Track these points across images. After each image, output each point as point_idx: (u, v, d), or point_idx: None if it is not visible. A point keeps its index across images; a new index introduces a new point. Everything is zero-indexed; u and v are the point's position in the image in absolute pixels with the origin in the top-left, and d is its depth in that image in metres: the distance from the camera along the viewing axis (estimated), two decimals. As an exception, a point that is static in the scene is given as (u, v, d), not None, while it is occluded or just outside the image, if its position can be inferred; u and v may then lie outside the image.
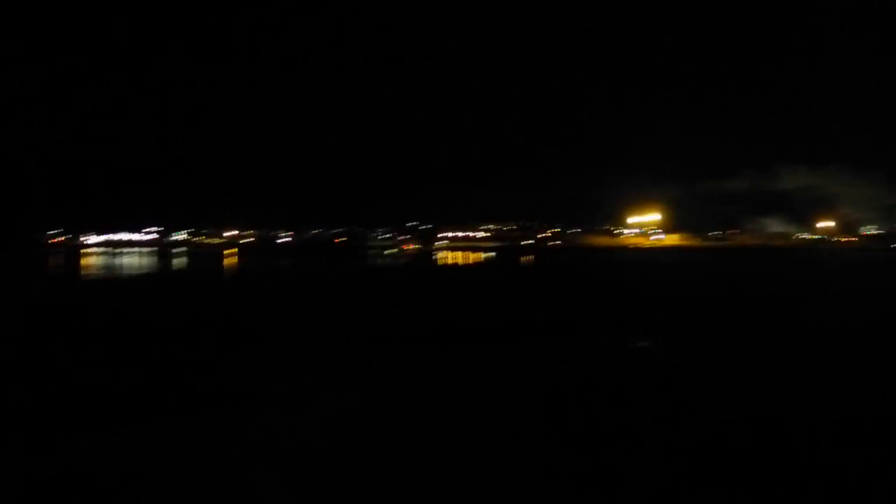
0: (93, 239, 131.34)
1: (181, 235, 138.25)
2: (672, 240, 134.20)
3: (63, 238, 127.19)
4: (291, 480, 6.87)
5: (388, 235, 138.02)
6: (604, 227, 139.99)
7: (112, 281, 42.16)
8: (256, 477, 6.92)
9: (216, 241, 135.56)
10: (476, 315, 21.74)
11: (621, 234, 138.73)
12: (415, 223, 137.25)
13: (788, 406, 9.58)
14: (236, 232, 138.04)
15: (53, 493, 6.62)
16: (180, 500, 6.40)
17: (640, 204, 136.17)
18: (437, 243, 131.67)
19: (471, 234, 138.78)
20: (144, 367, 13.00)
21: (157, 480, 6.85)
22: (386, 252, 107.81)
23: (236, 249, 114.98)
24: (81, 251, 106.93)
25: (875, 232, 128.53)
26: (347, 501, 6.39)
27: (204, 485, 6.75)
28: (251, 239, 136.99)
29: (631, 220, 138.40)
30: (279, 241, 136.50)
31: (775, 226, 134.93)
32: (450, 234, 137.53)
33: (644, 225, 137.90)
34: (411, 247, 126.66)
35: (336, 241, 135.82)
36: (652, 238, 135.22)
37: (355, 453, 7.67)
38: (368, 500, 6.44)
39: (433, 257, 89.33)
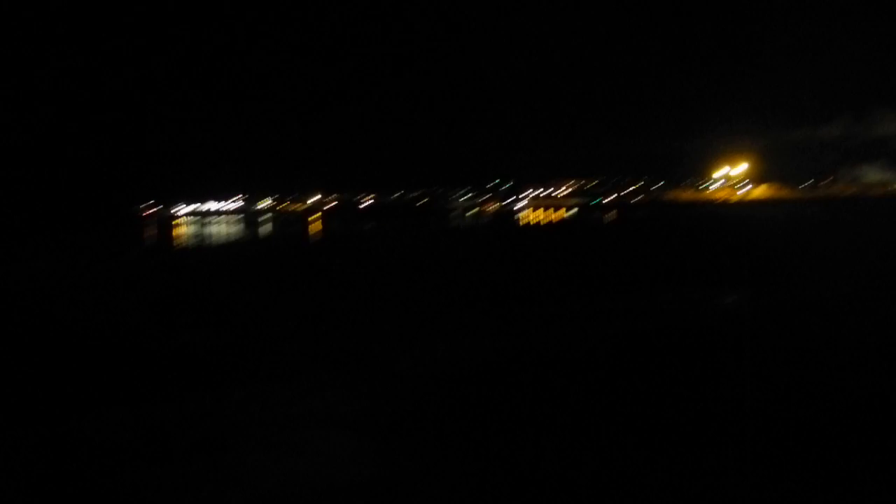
0: (182, 210, 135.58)
1: (266, 203, 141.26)
2: (762, 192, 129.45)
3: (155, 209, 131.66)
4: (365, 443, 6.89)
5: (468, 196, 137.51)
6: (689, 181, 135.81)
7: (204, 250, 43.50)
8: (330, 438, 6.97)
9: (300, 207, 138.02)
10: (554, 274, 21.51)
11: (707, 187, 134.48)
12: (496, 182, 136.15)
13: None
14: (319, 197, 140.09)
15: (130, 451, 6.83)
16: (257, 464, 6.50)
17: (727, 155, 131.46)
18: (518, 202, 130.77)
19: (552, 191, 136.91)
20: (230, 333, 13.35)
21: (236, 443, 6.99)
22: (467, 214, 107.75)
23: (320, 215, 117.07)
24: (173, 222, 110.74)
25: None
26: (423, 464, 6.36)
27: (281, 448, 6.85)
28: (334, 204, 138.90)
29: (718, 172, 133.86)
30: (362, 206, 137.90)
31: (874, 174, 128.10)
32: (531, 193, 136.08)
33: (732, 177, 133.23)
34: (492, 206, 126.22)
35: (418, 204, 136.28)
36: (741, 191, 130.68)
37: (425, 414, 7.65)
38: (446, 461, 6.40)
39: (514, 217, 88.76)
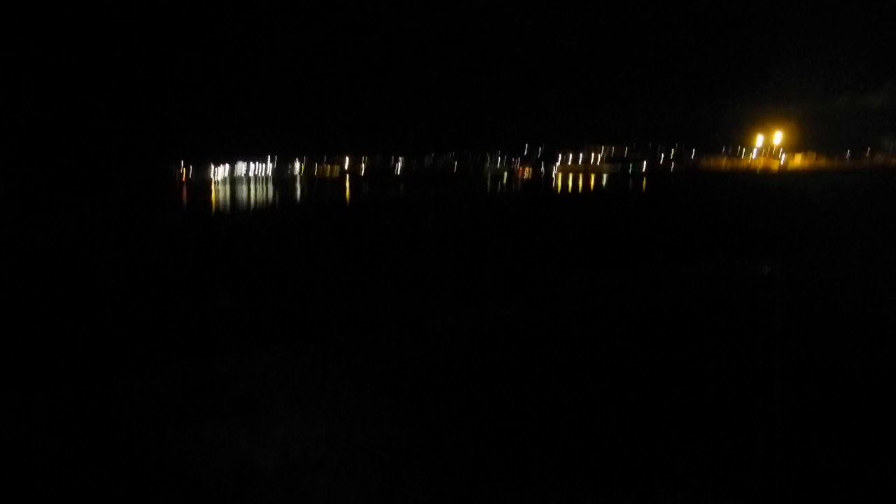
0: (218, 172, 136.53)
1: (297, 165, 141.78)
2: (802, 162, 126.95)
3: (189, 171, 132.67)
4: (396, 405, 6.93)
5: (501, 161, 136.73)
6: (726, 149, 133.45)
7: (239, 213, 43.84)
8: (360, 403, 7.02)
9: (332, 170, 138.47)
10: (583, 241, 21.40)
11: (745, 156, 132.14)
12: (528, 147, 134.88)
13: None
14: (349, 161, 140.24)
15: (169, 409, 6.94)
16: (289, 426, 6.57)
17: (766, 123, 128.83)
18: (551, 168, 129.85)
19: (586, 157, 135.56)
20: (264, 295, 13.47)
21: (268, 404, 7.07)
22: (499, 178, 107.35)
23: (349, 178, 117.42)
24: (211, 184, 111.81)
25: None
26: (456, 427, 6.38)
27: (311, 410, 6.91)
28: (366, 167, 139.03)
29: (756, 140, 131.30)
30: (398, 171, 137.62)
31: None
32: (564, 158, 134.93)
33: (771, 146, 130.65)
34: (525, 172, 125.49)
35: (452, 169, 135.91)
36: (780, 160, 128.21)
37: (463, 377, 7.67)
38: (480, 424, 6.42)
39: (547, 183, 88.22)
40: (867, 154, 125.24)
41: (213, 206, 51.65)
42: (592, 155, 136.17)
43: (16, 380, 8.19)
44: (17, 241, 25.10)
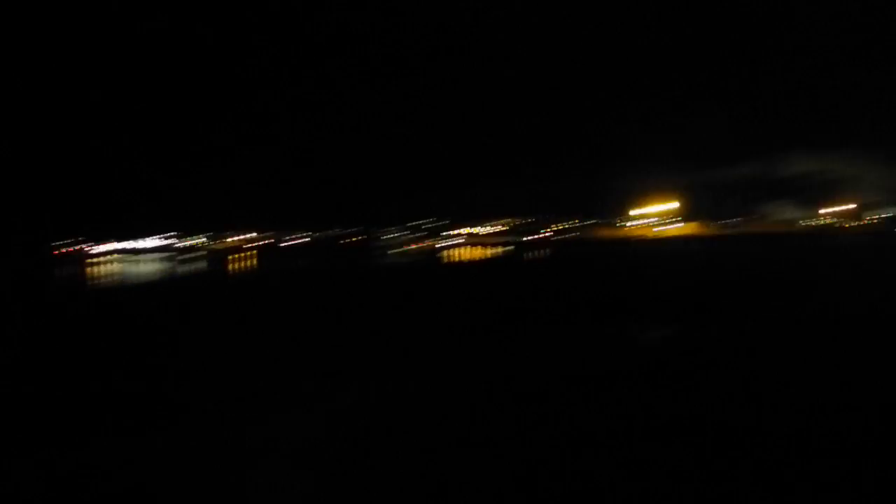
0: (100, 248, 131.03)
1: (197, 240, 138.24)
2: (686, 228, 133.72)
3: (73, 248, 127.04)
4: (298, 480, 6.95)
5: (397, 234, 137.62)
6: (616, 218, 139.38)
7: (124, 289, 42.26)
8: (262, 477, 7.00)
9: (230, 244, 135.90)
10: (477, 308, 21.75)
11: (631, 224, 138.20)
12: (430, 220, 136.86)
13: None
14: (255, 234, 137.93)
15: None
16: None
17: (654, 194, 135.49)
18: (448, 240, 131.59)
19: (484, 229, 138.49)
20: (150, 374, 13.03)
21: (163, 485, 6.95)
22: (391, 251, 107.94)
23: (242, 253, 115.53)
24: (88, 260, 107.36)
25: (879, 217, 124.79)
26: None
27: (210, 488, 6.84)
28: (262, 242, 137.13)
29: (645, 209, 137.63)
30: (284, 244, 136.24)
31: (785, 212, 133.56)
32: (465, 230, 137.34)
33: (657, 214, 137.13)
34: (421, 244, 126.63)
35: (344, 241, 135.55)
36: (665, 227, 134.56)
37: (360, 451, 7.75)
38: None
39: (440, 254, 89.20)
40: (738, 220, 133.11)
41: (96, 282, 49.53)
42: (491, 227, 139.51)
43: None
44: None
